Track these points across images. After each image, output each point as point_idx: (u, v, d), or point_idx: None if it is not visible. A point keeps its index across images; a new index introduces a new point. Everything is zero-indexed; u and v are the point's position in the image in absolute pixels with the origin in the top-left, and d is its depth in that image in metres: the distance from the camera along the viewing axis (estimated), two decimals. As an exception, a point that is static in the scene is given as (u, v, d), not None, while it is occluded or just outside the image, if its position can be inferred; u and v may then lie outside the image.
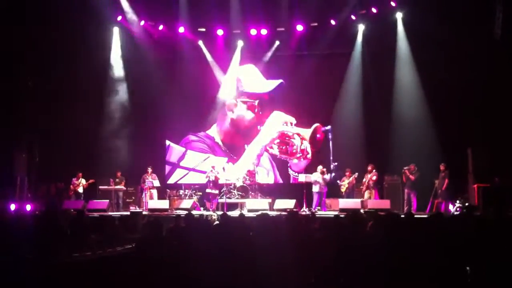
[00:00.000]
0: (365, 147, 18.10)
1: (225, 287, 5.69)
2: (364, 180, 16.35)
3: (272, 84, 18.97)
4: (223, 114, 19.47)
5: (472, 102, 15.85)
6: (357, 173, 16.28)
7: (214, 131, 19.54)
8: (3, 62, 16.24)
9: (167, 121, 19.16)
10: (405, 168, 15.78)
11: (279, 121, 18.98)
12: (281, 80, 18.77)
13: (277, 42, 18.91)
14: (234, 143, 19.43)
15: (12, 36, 16.17)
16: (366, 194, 16.13)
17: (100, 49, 18.38)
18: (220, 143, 19.41)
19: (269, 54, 19.09)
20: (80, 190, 17.08)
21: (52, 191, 17.51)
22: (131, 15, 18.35)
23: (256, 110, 19.25)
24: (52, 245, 6.85)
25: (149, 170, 17.33)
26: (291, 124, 18.84)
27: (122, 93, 18.77)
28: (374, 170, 16.22)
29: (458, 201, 14.25)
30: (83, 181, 17.11)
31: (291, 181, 18.74)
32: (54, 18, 16.50)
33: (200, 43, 19.22)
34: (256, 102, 19.24)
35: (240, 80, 19.36)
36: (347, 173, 16.65)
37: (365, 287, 5.40)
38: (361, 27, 18.14)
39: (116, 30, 18.88)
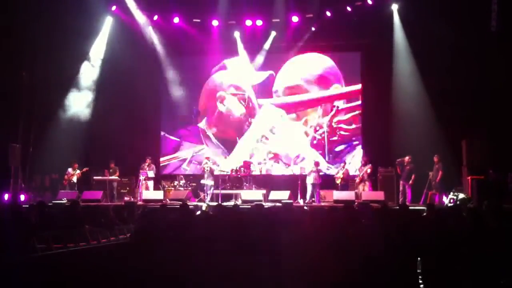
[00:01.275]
0: (360, 139, 18.22)
1: (221, 278, 5.70)
2: (358, 173, 16.38)
3: (262, 76, 18.94)
4: (213, 107, 19.45)
5: (466, 94, 15.86)
6: (350, 163, 16.29)
7: (204, 124, 19.50)
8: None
9: (162, 112, 19.16)
10: (398, 160, 15.82)
11: (270, 114, 18.98)
12: (271, 72, 18.76)
13: (273, 33, 18.85)
14: (225, 136, 19.40)
15: (4, 27, 16.09)
16: (360, 187, 16.14)
17: (94, 39, 18.27)
18: (212, 136, 19.38)
19: (265, 45, 19.00)
20: (74, 179, 17.02)
21: (46, 182, 17.48)
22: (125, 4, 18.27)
23: (246, 103, 19.23)
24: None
25: (148, 160, 17.24)
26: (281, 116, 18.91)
27: (117, 83, 18.69)
28: (369, 163, 16.23)
29: (452, 193, 14.30)
30: (78, 171, 17.06)
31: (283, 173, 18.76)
32: (49, 8, 16.43)
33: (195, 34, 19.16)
34: (246, 94, 19.24)
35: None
36: (342, 165, 16.69)
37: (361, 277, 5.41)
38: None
39: (109, 20, 18.74)
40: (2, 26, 16.04)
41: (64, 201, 15.31)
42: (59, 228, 8.45)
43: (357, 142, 18.29)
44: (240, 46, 19.09)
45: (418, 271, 5.35)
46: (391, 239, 5.58)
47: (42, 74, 17.08)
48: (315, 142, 18.61)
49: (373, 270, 5.29)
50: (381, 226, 6.01)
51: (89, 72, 18.29)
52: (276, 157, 18.90)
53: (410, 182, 15.53)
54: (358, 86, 18.37)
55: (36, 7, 16.41)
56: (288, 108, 18.99)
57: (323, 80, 18.70)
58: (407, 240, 5.60)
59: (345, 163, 16.78)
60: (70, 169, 17.04)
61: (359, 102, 18.38)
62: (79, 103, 17.91)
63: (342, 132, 18.42)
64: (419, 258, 5.40)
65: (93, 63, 18.39)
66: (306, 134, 18.70)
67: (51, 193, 16.77)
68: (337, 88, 18.59)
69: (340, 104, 18.56)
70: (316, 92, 18.74)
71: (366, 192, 15.73)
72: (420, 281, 5.31)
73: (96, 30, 18.37)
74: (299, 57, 18.96)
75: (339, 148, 18.44)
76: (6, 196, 14.55)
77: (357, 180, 16.31)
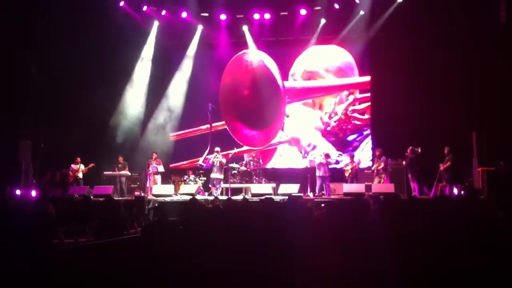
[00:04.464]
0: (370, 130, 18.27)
1: (230, 273, 5.72)
2: (373, 165, 16.42)
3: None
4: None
5: (477, 85, 15.80)
6: (363, 149, 16.31)
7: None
8: (5, 49, 16.25)
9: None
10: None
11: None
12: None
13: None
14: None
15: (12, 22, 16.20)
16: (376, 180, 16.13)
17: (104, 35, 18.28)
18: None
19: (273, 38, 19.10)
20: (80, 175, 17.10)
21: (57, 177, 17.57)
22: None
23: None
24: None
25: (154, 155, 17.34)
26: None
27: (125, 78, 18.80)
28: (383, 156, 16.23)
29: (462, 185, 14.26)
30: (82, 166, 17.12)
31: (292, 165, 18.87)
32: (58, 3, 16.54)
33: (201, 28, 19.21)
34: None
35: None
36: (350, 159, 16.74)
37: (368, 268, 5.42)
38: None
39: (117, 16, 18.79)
40: (12, 23, 16.15)
41: (76, 196, 15.40)
42: (71, 223, 8.53)
43: (368, 132, 18.38)
44: (250, 39, 19.07)
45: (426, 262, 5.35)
46: (398, 230, 5.59)
47: (52, 69, 17.18)
48: (328, 128, 18.70)
49: (380, 262, 5.31)
50: (390, 217, 6.02)
51: (99, 67, 18.28)
52: (289, 142, 19.09)
53: (409, 174, 15.51)
54: (368, 78, 18.40)
55: (44, 2, 16.53)
56: (300, 93, 19.05)
57: (341, 73, 18.75)
58: (415, 231, 5.59)
59: (353, 157, 16.82)
60: (73, 165, 17.12)
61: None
62: (89, 97, 17.93)
63: (356, 122, 18.48)
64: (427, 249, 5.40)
65: (101, 57, 18.36)
66: (321, 120, 18.78)
67: (62, 189, 16.85)
68: (350, 78, 18.67)
69: (356, 93, 18.65)
70: (328, 80, 18.79)
71: (376, 185, 15.71)
72: (428, 273, 5.30)
73: (106, 26, 18.36)
74: (320, 46, 18.98)
75: (351, 137, 18.52)
76: (17, 192, 14.66)
77: (374, 172, 16.34)
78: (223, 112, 19.27)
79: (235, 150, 17.83)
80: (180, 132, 19.59)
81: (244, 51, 19.30)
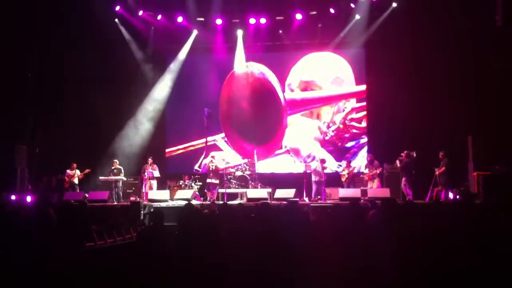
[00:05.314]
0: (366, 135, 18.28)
1: (228, 276, 5.71)
2: (365, 171, 16.42)
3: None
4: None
5: (472, 89, 15.83)
6: (363, 156, 16.34)
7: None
8: (2, 54, 16.21)
9: (168, 114, 19.50)
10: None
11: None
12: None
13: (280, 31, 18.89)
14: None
15: (10, 27, 16.17)
16: (369, 184, 16.13)
17: (98, 38, 18.22)
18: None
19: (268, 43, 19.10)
20: (76, 181, 17.01)
21: (53, 182, 17.48)
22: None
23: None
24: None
25: (150, 160, 17.31)
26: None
27: (123, 83, 18.75)
28: (375, 161, 16.23)
29: (458, 189, 14.24)
30: (78, 172, 17.03)
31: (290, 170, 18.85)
32: (54, 8, 16.52)
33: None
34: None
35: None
36: (346, 164, 16.76)
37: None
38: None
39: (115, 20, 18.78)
40: (9, 28, 16.12)
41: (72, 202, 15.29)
42: (67, 228, 8.46)
43: (365, 140, 18.39)
44: (241, 44, 19.07)
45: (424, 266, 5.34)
46: (396, 235, 5.58)
47: (48, 75, 17.13)
48: (327, 138, 18.72)
49: (377, 266, 5.30)
50: (387, 221, 6.01)
51: (95, 73, 18.19)
52: (287, 152, 19.10)
53: (404, 178, 15.50)
54: (364, 87, 18.42)
55: (41, 6, 16.51)
56: (300, 104, 19.04)
57: (338, 81, 18.75)
58: (412, 232, 5.59)
59: (349, 162, 16.83)
60: (68, 170, 17.04)
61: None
62: (85, 102, 17.86)
63: (354, 130, 18.52)
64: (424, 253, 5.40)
65: (98, 61, 18.29)
66: (320, 129, 18.79)
67: (59, 194, 16.77)
68: (349, 87, 18.64)
69: (353, 102, 18.68)
70: (327, 90, 18.80)
71: (372, 189, 15.70)
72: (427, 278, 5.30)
73: (101, 29, 18.28)
74: (316, 55, 19.00)
75: (349, 144, 18.59)
76: (13, 198, 14.58)
77: (366, 177, 16.31)
78: (223, 125, 19.36)
79: (231, 165, 17.89)
80: (176, 148, 19.66)
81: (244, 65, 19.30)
